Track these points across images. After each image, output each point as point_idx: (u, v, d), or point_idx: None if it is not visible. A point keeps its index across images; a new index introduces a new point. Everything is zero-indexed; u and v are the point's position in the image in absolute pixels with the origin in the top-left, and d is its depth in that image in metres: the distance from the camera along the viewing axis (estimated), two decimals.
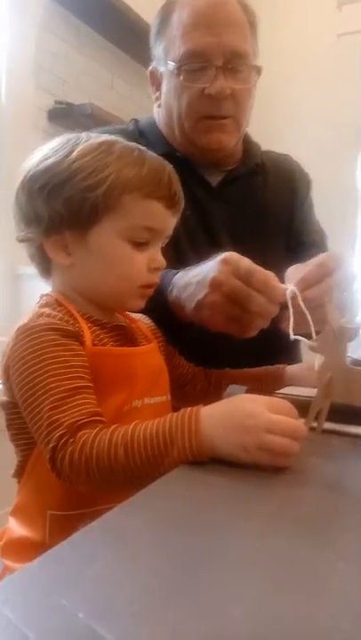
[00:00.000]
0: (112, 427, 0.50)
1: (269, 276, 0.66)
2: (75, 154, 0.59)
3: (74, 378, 0.53)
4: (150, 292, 0.65)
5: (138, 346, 0.66)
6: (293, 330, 0.61)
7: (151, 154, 0.64)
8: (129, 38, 2.19)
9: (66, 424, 0.50)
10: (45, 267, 0.65)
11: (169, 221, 0.65)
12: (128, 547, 0.33)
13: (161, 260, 0.64)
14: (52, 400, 0.52)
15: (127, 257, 0.61)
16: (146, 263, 0.63)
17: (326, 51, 2.60)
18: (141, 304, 0.66)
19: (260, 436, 0.44)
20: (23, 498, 0.61)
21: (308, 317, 0.62)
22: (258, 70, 0.92)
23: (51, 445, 0.50)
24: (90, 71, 2.24)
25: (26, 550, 0.57)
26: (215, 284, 0.67)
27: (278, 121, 2.46)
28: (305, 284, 0.66)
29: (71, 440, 0.49)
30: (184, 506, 0.39)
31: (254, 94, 0.95)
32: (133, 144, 0.64)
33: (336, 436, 0.57)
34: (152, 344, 0.69)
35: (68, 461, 0.49)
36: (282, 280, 0.68)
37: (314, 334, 0.59)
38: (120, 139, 0.63)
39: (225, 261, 0.68)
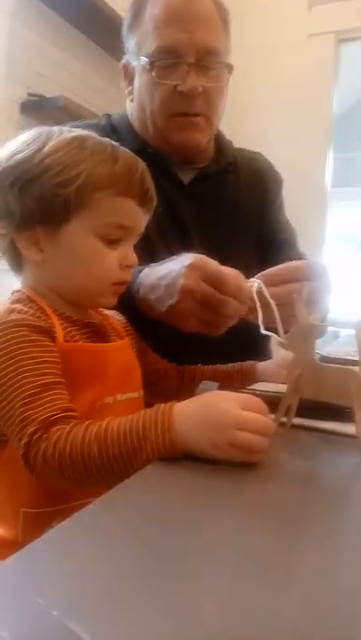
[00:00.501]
0: (86, 423, 0.50)
1: (239, 278, 0.67)
2: (46, 149, 0.58)
3: (45, 374, 0.53)
4: (123, 289, 0.65)
5: (110, 341, 0.66)
6: (264, 323, 0.62)
7: (124, 150, 0.63)
8: (102, 31, 2.16)
9: (38, 420, 0.50)
10: (17, 262, 0.65)
11: (141, 219, 0.65)
12: (103, 543, 0.33)
13: (133, 258, 0.64)
14: (24, 396, 0.51)
15: (99, 254, 0.61)
16: (118, 260, 0.63)
17: (297, 51, 2.63)
18: (114, 301, 0.66)
19: (230, 433, 0.45)
20: None
21: (275, 309, 0.63)
22: (230, 68, 0.93)
23: (23, 442, 0.49)
24: (63, 64, 2.20)
25: None
26: (186, 292, 0.68)
27: (249, 120, 2.48)
28: (267, 280, 0.68)
29: (44, 436, 0.49)
30: (158, 502, 0.39)
31: (226, 92, 0.96)
32: (106, 140, 0.63)
33: (305, 432, 0.58)
34: (124, 340, 0.69)
35: (42, 457, 0.49)
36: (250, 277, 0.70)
37: (281, 330, 0.61)
38: (93, 134, 0.63)
39: (193, 267, 0.68)
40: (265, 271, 0.69)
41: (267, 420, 0.47)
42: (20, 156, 0.59)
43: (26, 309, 0.58)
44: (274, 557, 0.32)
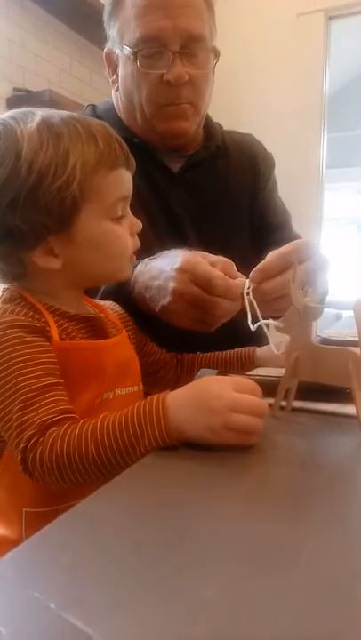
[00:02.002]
0: (81, 421, 0.49)
1: (227, 278, 0.67)
2: (25, 153, 0.54)
3: (42, 375, 0.52)
4: (134, 257, 0.66)
5: (108, 336, 0.65)
6: (257, 318, 0.62)
7: (89, 120, 0.60)
8: (86, 22, 2.14)
9: (35, 424, 0.49)
10: (14, 274, 0.61)
11: (131, 181, 0.63)
12: (100, 535, 0.33)
13: (138, 222, 0.64)
14: (21, 400, 0.50)
15: (115, 235, 0.61)
16: (128, 231, 0.62)
17: (287, 31, 2.60)
18: (130, 272, 0.67)
19: (225, 415, 0.45)
20: None
21: (258, 311, 0.63)
22: (216, 53, 0.91)
23: (21, 446, 0.49)
24: (48, 57, 2.19)
25: (2, 549, 0.57)
26: (177, 294, 0.68)
27: (240, 102, 2.46)
28: (262, 274, 0.68)
29: (41, 439, 0.49)
30: (156, 492, 0.39)
31: (213, 78, 0.94)
32: (64, 114, 0.59)
33: (305, 414, 0.58)
34: (122, 334, 0.68)
35: (39, 461, 0.48)
36: (243, 267, 0.69)
37: (264, 327, 0.61)
38: (43, 111, 0.59)
39: (182, 270, 0.68)
40: (259, 265, 0.69)
41: (260, 400, 0.47)
42: (0, 175, 0.54)
43: (19, 309, 0.57)
44: (275, 542, 0.32)
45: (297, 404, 0.59)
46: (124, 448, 0.47)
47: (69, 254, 0.59)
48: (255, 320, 0.62)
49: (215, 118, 1.07)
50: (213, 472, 0.42)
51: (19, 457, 0.49)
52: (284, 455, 0.48)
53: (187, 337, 0.78)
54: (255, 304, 0.65)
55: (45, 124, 0.56)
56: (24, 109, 0.59)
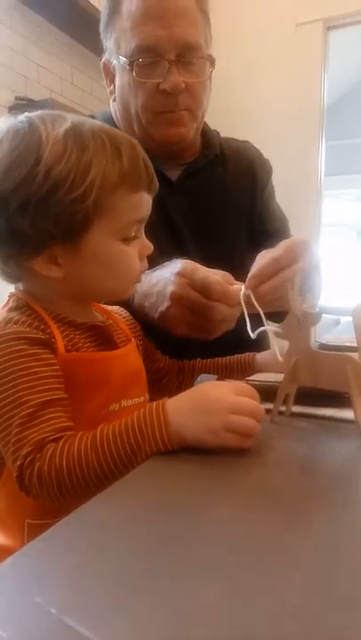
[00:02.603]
0: (78, 434, 0.49)
1: (225, 283, 0.67)
2: (45, 159, 0.52)
3: (45, 390, 0.51)
4: (140, 278, 0.64)
5: (116, 345, 0.64)
6: (258, 325, 0.63)
7: (118, 135, 0.58)
8: (87, 31, 2.16)
9: (32, 441, 0.48)
10: (15, 276, 0.61)
11: (150, 204, 0.62)
12: (100, 539, 0.33)
13: (150, 245, 0.62)
14: (21, 415, 0.50)
15: (124, 256, 0.59)
16: (138, 253, 0.61)
17: (286, 40, 2.63)
18: (133, 291, 0.67)
19: (225, 417, 0.45)
20: (0, 507, 0.60)
21: (262, 315, 0.64)
22: (212, 61, 0.91)
23: (18, 463, 0.48)
24: (49, 66, 2.21)
25: (4, 559, 0.56)
26: (175, 298, 0.69)
27: (240, 110, 2.48)
28: (257, 281, 0.68)
29: (38, 456, 0.48)
30: (156, 495, 0.39)
31: (210, 85, 0.95)
32: (96, 125, 0.57)
33: (304, 419, 0.58)
34: (130, 344, 0.66)
35: (37, 477, 0.47)
36: (242, 273, 0.70)
37: (269, 332, 0.61)
38: (76, 119, 0.57)
39: (181, 274, 0.69)
40: (253, 272, 0.69)
41: (258, 404, 0.48)
42: (17, 174, 0.53)
43: (23, 318, 0.56)
44: (274, 544, 0.32)
45: (296, 409, 0.59)
46: (125, 455, 0.46)
47: (73, 266, 0.57)
48: (255, 327, 0.63)
49: (214, 126, 1.08)
50: (213, 476, 0.43)
51: (15, 474, 0.49)
52: (283, 459, 0.48)
53: (187, 346, 0.79)
54: (259, 308, 0.65)
55: (73, 133, 0.54)
56: (55, 112, 0.58)
